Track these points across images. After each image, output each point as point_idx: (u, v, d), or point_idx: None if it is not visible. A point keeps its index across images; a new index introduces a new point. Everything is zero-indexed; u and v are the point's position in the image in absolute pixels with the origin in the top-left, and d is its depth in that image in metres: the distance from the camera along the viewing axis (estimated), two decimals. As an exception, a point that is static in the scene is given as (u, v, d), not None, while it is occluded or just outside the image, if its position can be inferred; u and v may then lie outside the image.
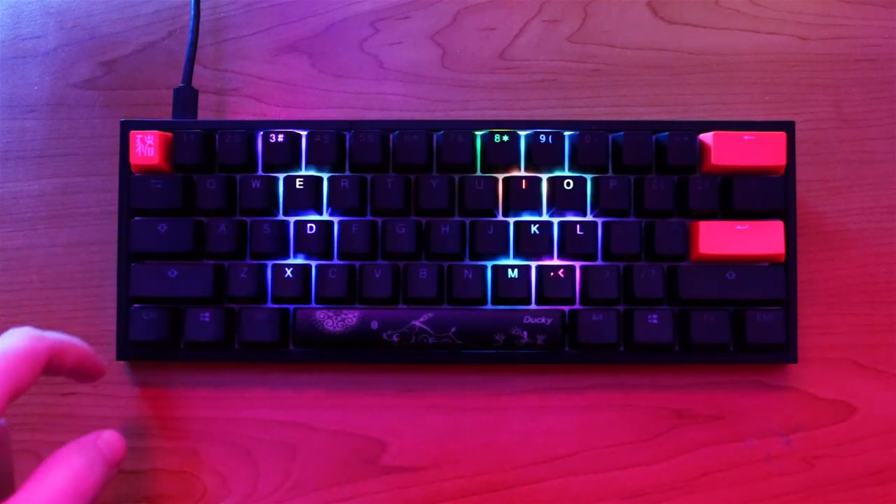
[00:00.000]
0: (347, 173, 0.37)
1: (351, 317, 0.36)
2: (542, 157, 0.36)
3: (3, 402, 0.28)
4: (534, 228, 0.36)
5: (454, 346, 0.36)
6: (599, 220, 0.37)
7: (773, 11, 0.41)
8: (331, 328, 0.36)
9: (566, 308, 0.36)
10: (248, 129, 0.37)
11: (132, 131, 0.37)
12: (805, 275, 0.38)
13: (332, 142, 0.37)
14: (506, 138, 0.36)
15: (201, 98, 0.40)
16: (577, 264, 0.37)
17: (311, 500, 0.37)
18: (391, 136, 0.37)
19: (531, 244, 0.36)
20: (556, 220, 0.37)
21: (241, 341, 0.36)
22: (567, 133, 0.37)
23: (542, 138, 0.36)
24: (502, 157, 0.36)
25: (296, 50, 0.41)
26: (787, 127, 0.37)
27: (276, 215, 0.37)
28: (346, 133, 0.37)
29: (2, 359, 0.28)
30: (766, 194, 0.36)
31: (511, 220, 0.37)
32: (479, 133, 0.37)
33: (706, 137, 0.37)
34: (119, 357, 0.37)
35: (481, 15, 0.41)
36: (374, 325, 0.36)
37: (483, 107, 0.40)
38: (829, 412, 0.38)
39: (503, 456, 0.38)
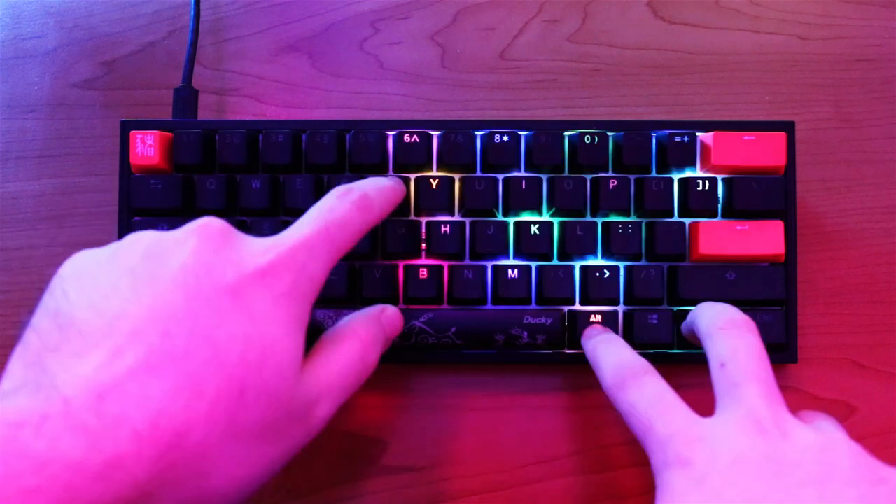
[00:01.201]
0: (347, 173, 0.37)
1: (351, 317, 0.36)
2: (542, 156, 0.36)
3: (326, 273, 0.28)
4: (534, 228, 0.36)
5: (454, 346, 0.36)
6: (599, 220, 0.37)
7: (773, 11, 0.41)
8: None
9: (566, 308, 0.36)
10: (249, 129, 0.37)
11: (132, 131, 0.37)
12: (805, 275, 0.38)
13: (332, 142, 0.37)
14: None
15: (201, 98, 0.40)
16: (577, 264, 0.37)
17: (311, 500, 0.37)
18: (391, 136, 0.37)
19: (531, 244, 0.36)
20: (556, 220, 0.37)
21: (241, 341, 0.36)
22: (567, 133, 0.37)
23: (542, 138, 0.36)
24: (502, 156, 0.36)
25: (296, 50, 0.41)
26: (787, 127, 0.37)
27: (276, 216, 0.37)
28: (346, 133, 0.37)
29: (331, 226, 0.28)
30: (766, 194, 0.36)
31: (511, 220, 0.37)
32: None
33: (706, 137, 0.37)
34: (119, 357, 0.37)
35: (481, 15, 0.41)
36: (374, 325, 0.36)
37: (483, 107, 0.40)
38: (829, 412, 0.38)
39: (503, 456, 0.38)
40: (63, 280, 0.26)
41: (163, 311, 0.24)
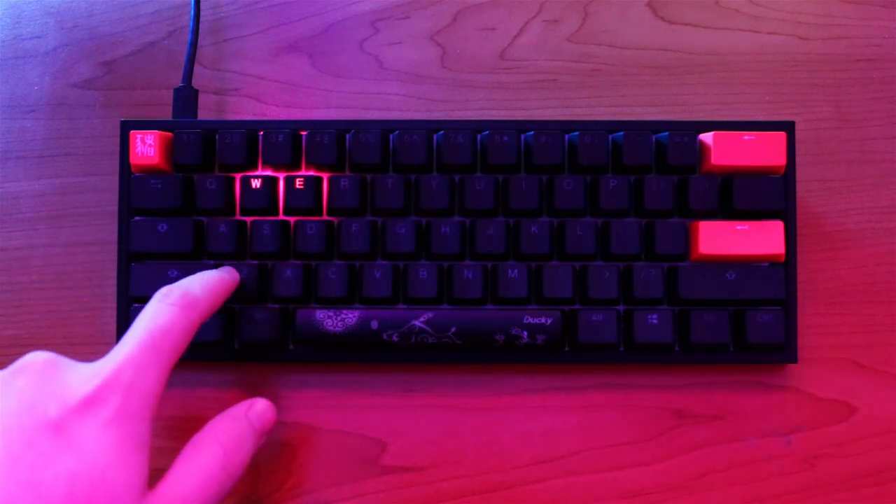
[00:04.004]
0: (347, 173, 0.37)
1: (351, 317, 0.36)
2: (542, 156, 0.36)
3: (161, 383, 0.27)
4: (534, 228, 0.36)
5: (454, 346, 0.36)
6: (599, 220, 0.37)
7: (773, 11, 0.41)
8: (331, 328, 0.36)
9: (566, 308, 0.36)
10: (249, 129, 0.37)
11: (132, 131, 0.37)
12: (805, 275, 0.38)
13: (332, 142, 0.37)
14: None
15: (201, 98, 0.40)
16: (577, 264, 0.37)
17: (311, 500, 0.37)
18: (391, 136, 0.37)
19: (531, 244, 0.36)
20: (556, 220, 0.37)
21: (240, 341, 0.36)
22: (567, 133, 0.37)
23: (542, 138, 0.36)
24: (502, 156, 0.36)
25: (296, 50, 0.41)
26: (787, 127, 0.37)
27: (276, 216, 0.37)
28: (346, 133, 0.37)
29: (155, 335, 0.28)
30: (766, 194, 0.36)
31: (511, 220, 0.37)
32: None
33: (706, 137, 0.37)
34: (119, 357, 0.37)
35: (481, 15, 0.41)
36: (374, 325, 0.36)
37: (483, 107, 0.40)
38: (829, 412, 0.38)
39: (503, 456, 0.38)
40: None
41: None
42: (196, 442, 0.29)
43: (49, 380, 0.26)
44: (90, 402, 0.25)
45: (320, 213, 0.37)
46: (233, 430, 0.30)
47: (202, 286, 0.31)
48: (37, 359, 0.27)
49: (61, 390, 0.26)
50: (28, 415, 0.25)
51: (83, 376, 0.26)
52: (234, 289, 0.34)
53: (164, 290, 0.30)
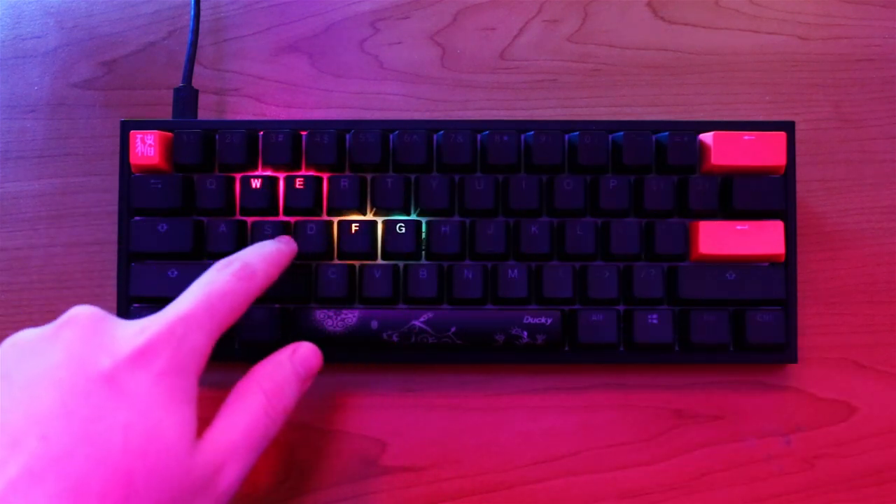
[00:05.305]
0: (347, 173, 0.37)
1: (351, 317, 0.36)
2: (542, 156, 0.36)
3: (210, 344, 0.28)
4: (534, 228, 0.36)
5: (454, 346, 0.36)
6: (599, 220, 0.37)
7: (773, 11, 0.41)
8: (331, 328, 0.36)
9: (566, 308, 0.36)
10: (249, 129, 0.37)
11: (132, 131, 0.37)
12: (805, 275, 0.38)
13: (332, 142, 0.37)
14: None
15: (201, 98, 0.40)
16: (577, 264, 0.37)
17: (311, 500, 0.37)
18: (391, 136, 0.37)
19: (531, 244, 0.36)
20: (556, 220, 0.37)
21: (240, 341, 0.36)
22: (567, 133, 0.37)
23: (542, 138, 0.36)
24: (502, 156, 0.36)
25: (296, 50, 0.41)
26: (787, 127, 0.37)
27: (276, 216, 0.37)
28: (346, 133, 0.37)
29: (212, 297, 0.28)
30: (766, 194, 0.36)
31: (511, 220, 0.37)
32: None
33: (706, 137, 0.37)
34: (119, 357, 0.37)
35: (481, 15, 0.41)
36: (374, 325, 0.36)
37: (483, 107, 0.40)
38: (829, 412, 0.38)
39: (503, 456, 0.38)
40: None
41: (40, 414, 0.23)
42: (239, 389, 0.29)
43: (97, 332, 0.26)
44: (141, 354, 0.25)
45: (320, 213, 0.37)
46: (275, 375, 0.30)
47: (261, 258, 0.31)
48: (82, 311, 0.27)
49: (111, 343, 0.26)
50: (79, 367, 0.25)
51: (132, 330, 0.26)
52: (292, 259, 0.33)
53: (224, 261, 0.30)
